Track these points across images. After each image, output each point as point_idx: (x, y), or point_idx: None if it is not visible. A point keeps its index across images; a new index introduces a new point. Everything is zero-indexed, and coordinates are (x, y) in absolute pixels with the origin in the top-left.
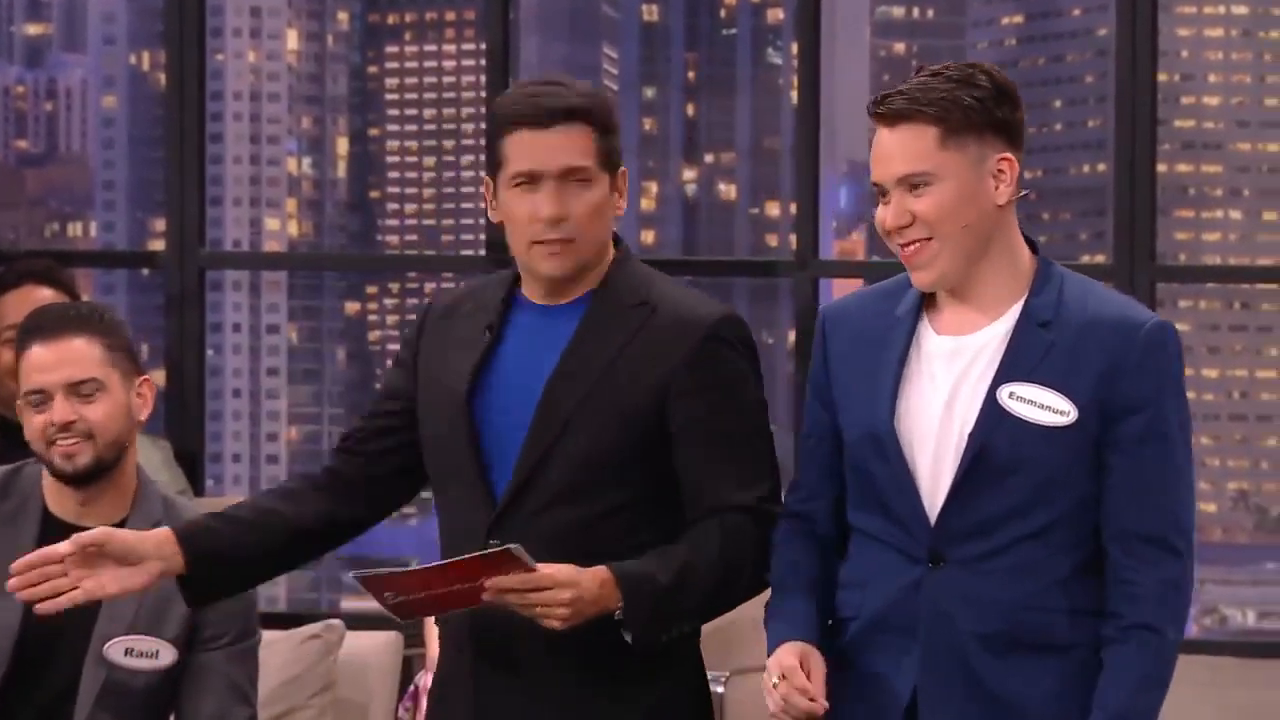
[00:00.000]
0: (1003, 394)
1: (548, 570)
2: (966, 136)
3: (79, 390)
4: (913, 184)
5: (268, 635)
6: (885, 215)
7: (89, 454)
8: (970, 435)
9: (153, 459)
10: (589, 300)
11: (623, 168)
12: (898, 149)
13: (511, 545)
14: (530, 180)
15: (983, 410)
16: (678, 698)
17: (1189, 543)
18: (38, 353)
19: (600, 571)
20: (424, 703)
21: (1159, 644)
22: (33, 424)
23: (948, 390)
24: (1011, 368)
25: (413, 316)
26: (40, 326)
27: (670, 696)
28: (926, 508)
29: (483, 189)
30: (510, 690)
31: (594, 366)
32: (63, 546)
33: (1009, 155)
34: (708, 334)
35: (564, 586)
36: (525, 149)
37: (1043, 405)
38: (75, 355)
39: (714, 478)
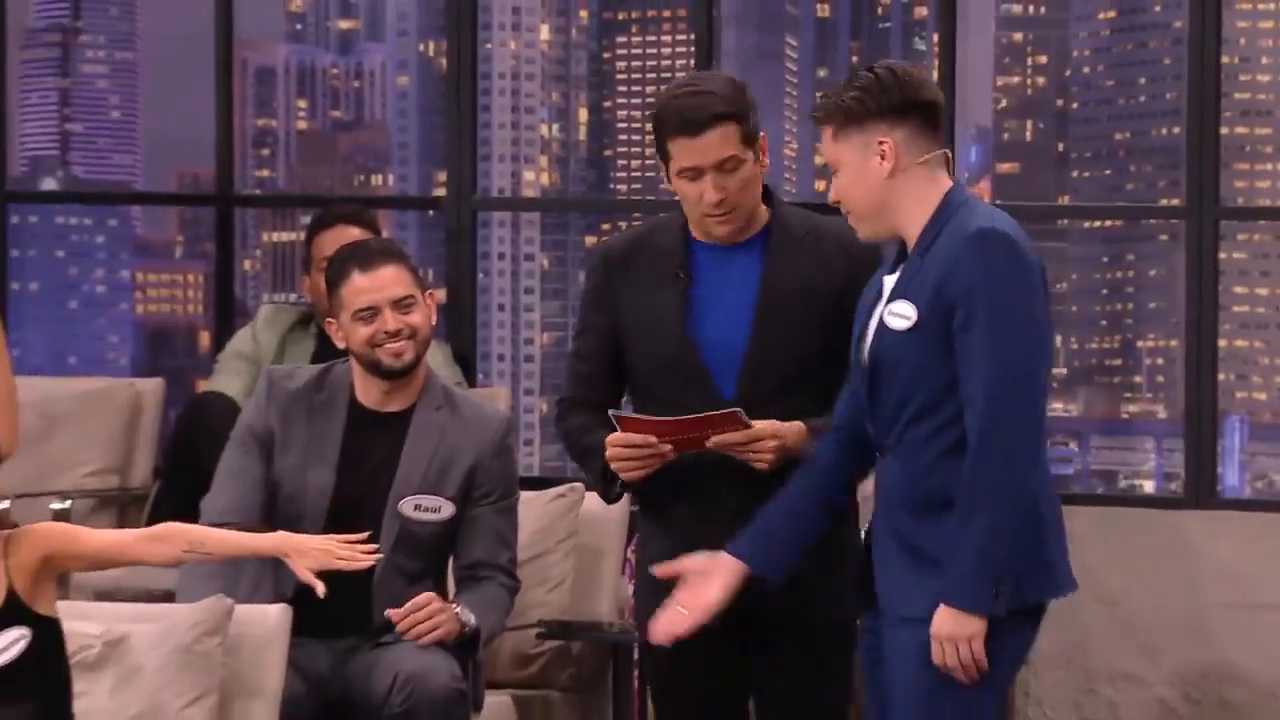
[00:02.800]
0: (885, 311)
1: (761, 425)
2: (851, 127)
3: (401, 304)
4: (833, 171)
5: (525, 495)
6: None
7: (413, 352)
8: (868, 349)
9: (436, 357)
10: (767, 234)
11: (762, 134)
12: (824, 147)
13: (736, 408)
14: (694, 173)
15: (875, 328)
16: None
17: (998, 403)
18: (360, 279)
19: (798, 425)
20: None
21: (966, 484)
22: (359, 334)
23: (879, 316)
24: (895, 290)
25: None
26: (356, 257)
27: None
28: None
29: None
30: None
31: (792, 285)
32: None
33: (887, 138)
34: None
35: (773, 437)
36: (684, 151)
37: (902, 315)
38: (393, 278)
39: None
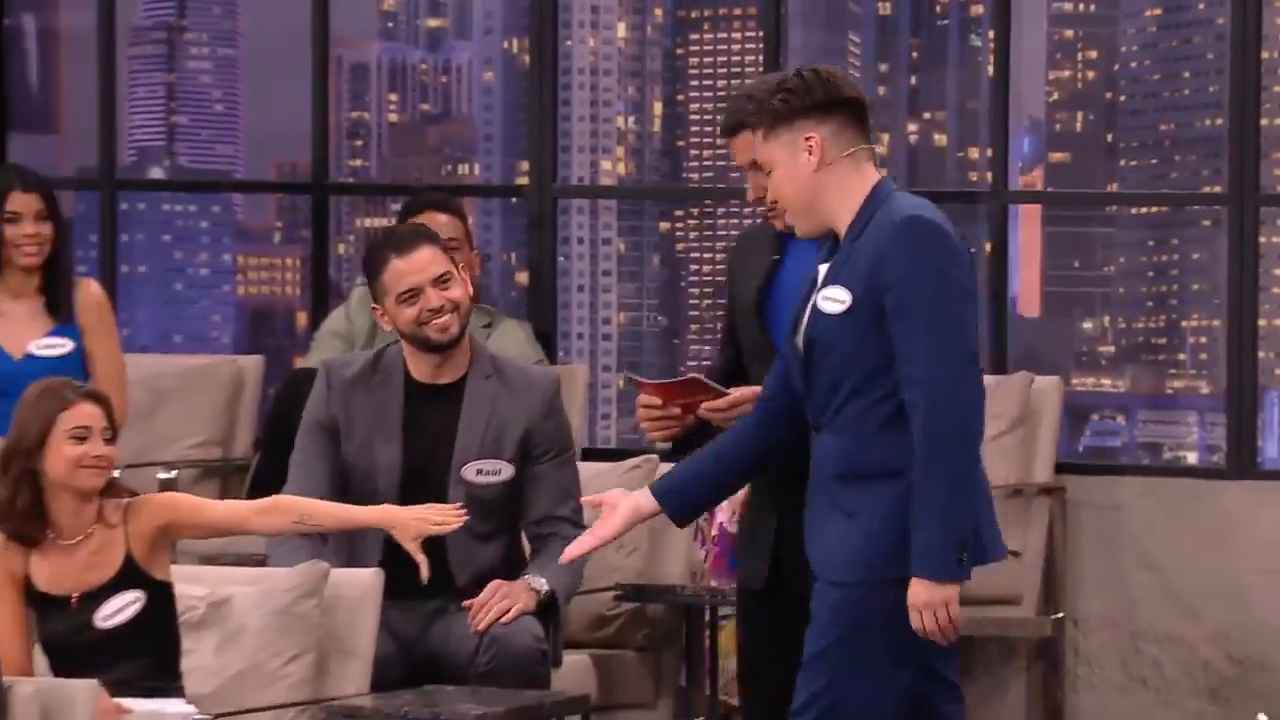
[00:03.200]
0: (819, 297)
1: (738, 392)
2: (779, 127)
3: (440, 281)
4: (765, 170)
5: (602, 466)
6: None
7: (457, 325)
8: (804, 333)
9: (519, 335)
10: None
11: (808, 136)
12: (757, 150)
13: (697, 375)
14: (744, 173)
15: (809, 313)
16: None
17: (939, 379)
18: (399, 262)
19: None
20: (718, 517)
21: (922, 459)
22: (405, 314)
23: (813, 302)
24: (829, 276)
25: (709, 233)
26: (391, 244)
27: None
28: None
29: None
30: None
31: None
32: None
33: (813, 134)
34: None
35: (751, 402)
36: (732, 152)
37: (836, 300)
38: (430, 258)
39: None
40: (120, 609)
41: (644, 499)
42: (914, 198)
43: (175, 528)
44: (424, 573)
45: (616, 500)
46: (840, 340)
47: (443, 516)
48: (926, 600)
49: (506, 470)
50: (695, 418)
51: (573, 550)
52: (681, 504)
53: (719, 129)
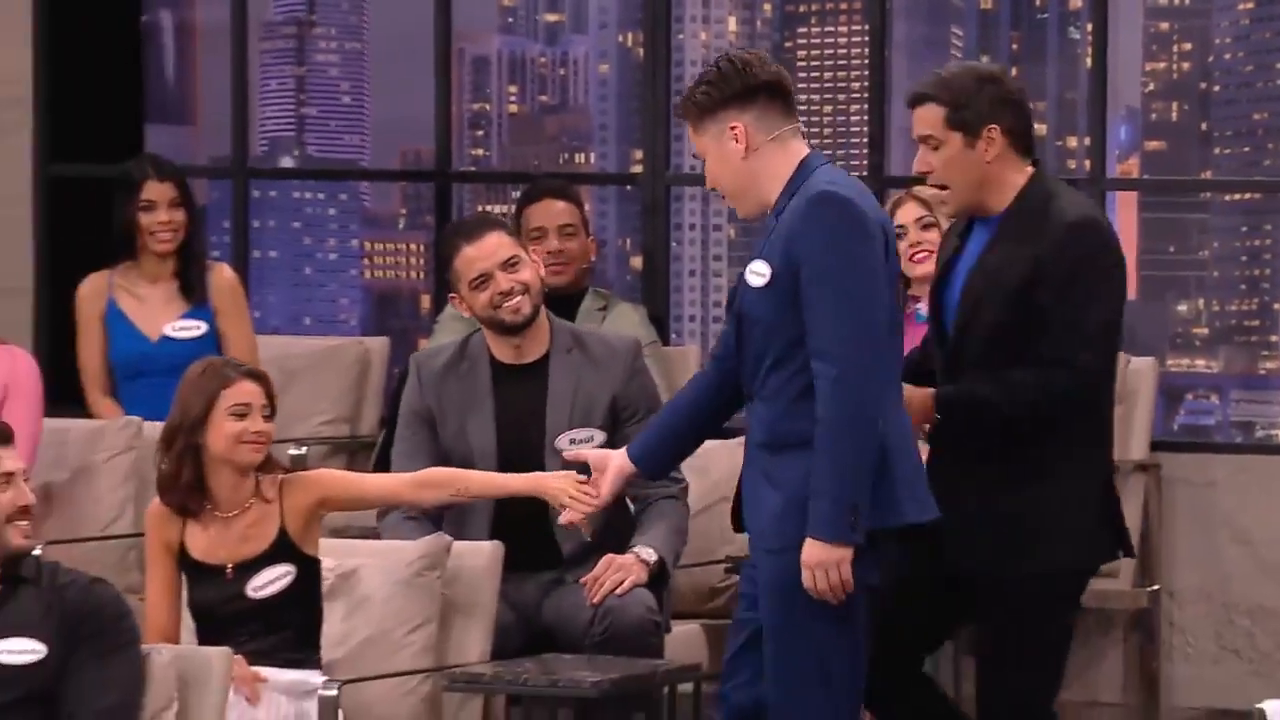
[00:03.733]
0: (747, 271)
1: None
2: (706, 119)
3: (509, 265)
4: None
5: (713, 444)
6: None
7: (529, 305)
8: (735, 305)
9: (633, 318)
10: (1002, 216)
11: (990, 126)
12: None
13: None
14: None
15: (740, 286)
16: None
17: (844, 351)
18: (469, 249)
19: (925, 392)
20: None
21: (821, 428)
22: (479, 299)
23: (741, 276)
24: (756, 250)
25: None
26: (461, 233)
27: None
28: None
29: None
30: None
31: (993, 265)
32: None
33: (736, 122)
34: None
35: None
36: (914, 122)
37: (758, 274)
38: (497, 243)
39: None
40: (272, 580)
41: (623, 460)
42: (835, 172)
43: (329, 502)
44: (585, 532)
45: (603, 463)
46: (762, 313)
47: (578, 495)
48: (819, 560)
49: (598, 437)
50: None
51: (571, 517)
52: (652, 463)
53: (908, 99)
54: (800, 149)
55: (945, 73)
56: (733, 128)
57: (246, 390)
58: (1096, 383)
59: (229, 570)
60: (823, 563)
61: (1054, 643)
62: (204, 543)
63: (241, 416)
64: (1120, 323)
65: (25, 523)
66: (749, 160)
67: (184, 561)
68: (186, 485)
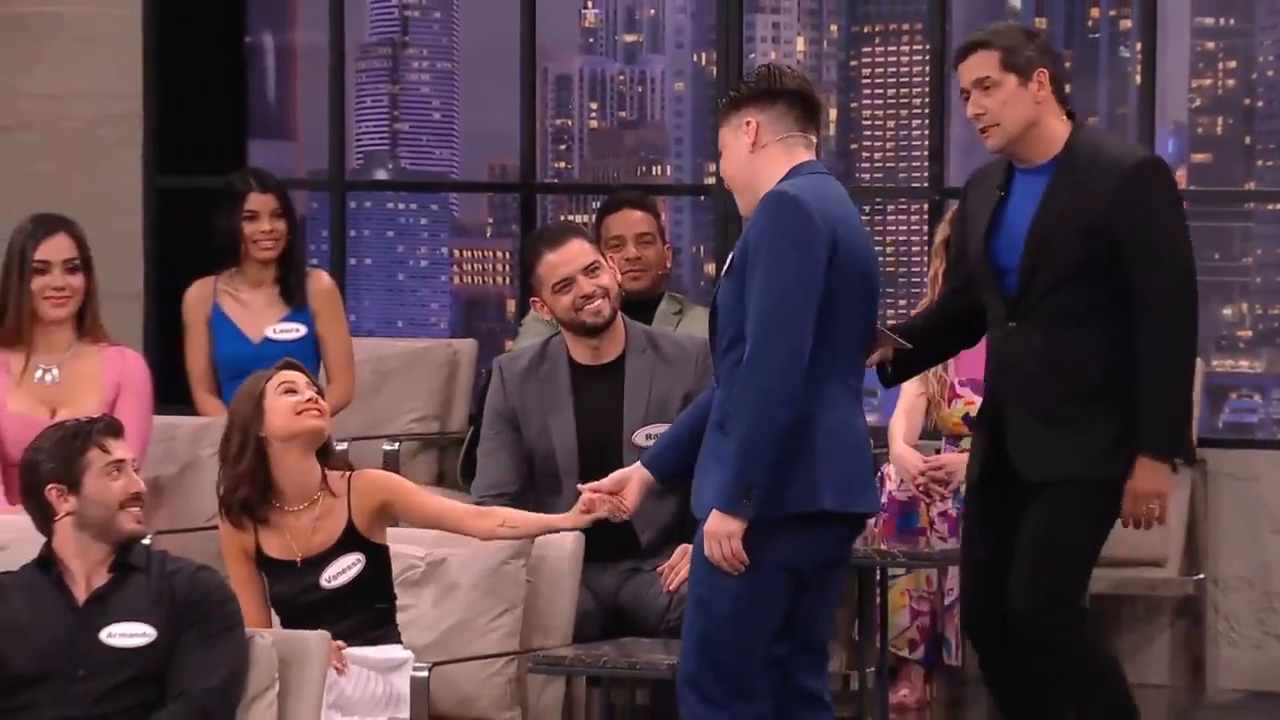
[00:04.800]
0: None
1: None
2: (730, 113)
3: (590, 270)
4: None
5: None
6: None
7: (609, 308)
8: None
9: (704, 319)
10: (1057, 161)
11: (1039, 70)
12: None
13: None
14: (966, 94)
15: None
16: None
17: (760, 339)
18: (552, 255)
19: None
20: (887, 486)
21: (734, 408)
22: (561, 302)
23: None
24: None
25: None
26: (544, 240)
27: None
28: None
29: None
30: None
31: (1057, 206)
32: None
33: (752, 118)
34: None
35: None
36: (961, 74)
37: (728, 263)
38: (579, 249)
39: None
40: (343, 570)
41: (642, 470)
42: (811, 178)
43: (392, 507)
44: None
45: (623, 480)
46: (723, 300)
47: (614, 507)
48: (713, 530)
49: None
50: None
51: (604, 513)
52: (662, 470)
53: (957, 53)
54: (802, 155)
55: (994, 26)
56: (747, 122)
57: (287, 375)
58: (1192, 270)
59: (299, 562)
60: (715, 533)
61: (1098, 544)
62: (276, 540)
63: (291, 392)
64: (1187, 232)
65: (137, 509)
66: (754, 156)
67: (261, 560)
68: (252, 478)
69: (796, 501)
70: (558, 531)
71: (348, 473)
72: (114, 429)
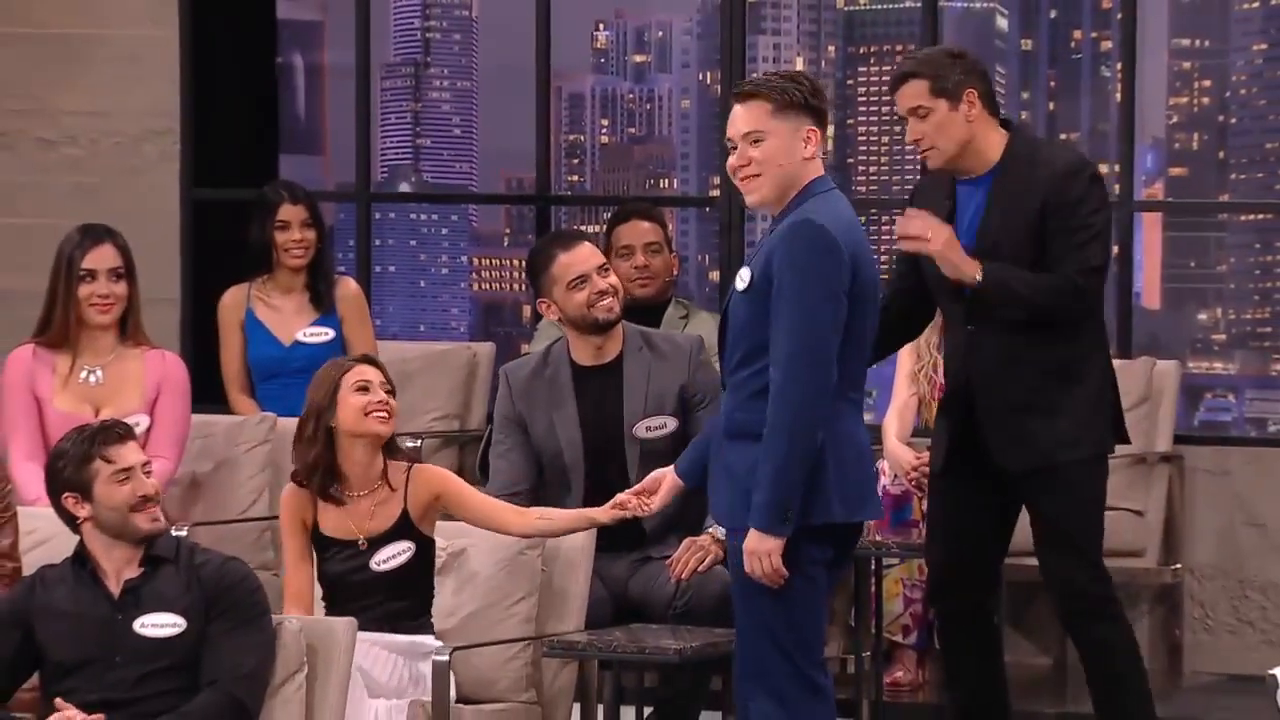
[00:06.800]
0: (737, 275)
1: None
2: (789, 112)
3: (602, 269)
4: (754, 139)
5: None
6: (733, 159)
7: (619, 305)
8: (725, 304)
9: (712, 325)
10: (994, 171)
11: (968, 90)
12: (742, 116)
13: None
14: (903, 120)
15: (731, 288)
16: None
17: (790, 365)
18: (565, 256)
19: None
20: (881, 481)
21: (768, 430)
22: (575, 299)
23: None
24: (747, 256)
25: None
26: (557, 242)
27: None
28: None
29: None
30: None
31: (1000, 207)
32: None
33: (813, 131)
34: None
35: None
36: (897, 103)
37: (741, 278)
38: (591, 250)
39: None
40: (394, 555)
41: (673, 475)
42: (829, 203)
43: (443, 500)
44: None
45: (657, 483)
46: (739, 313)
47: (637, 506)
48: (753, 549)
49: (671, 423)
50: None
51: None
52: (695, 480)
53: (890, 84)
54: (818, 168)
55: (921, 54)
56: (810, 132)
57: (364, 370)
58: (1101, 284)
59: (361, 542)
60: (755, 551)
61: (1101, 512)
62: (334, 520)
63: (364, 390)
64: (1110, 235)
65: (150, 509)
66: (802, 163)
67: (316, 537)
68: (320, 467)
69: (809, 513)
70: (592, 526)
71: (408, 465)
72: (120, 437)
